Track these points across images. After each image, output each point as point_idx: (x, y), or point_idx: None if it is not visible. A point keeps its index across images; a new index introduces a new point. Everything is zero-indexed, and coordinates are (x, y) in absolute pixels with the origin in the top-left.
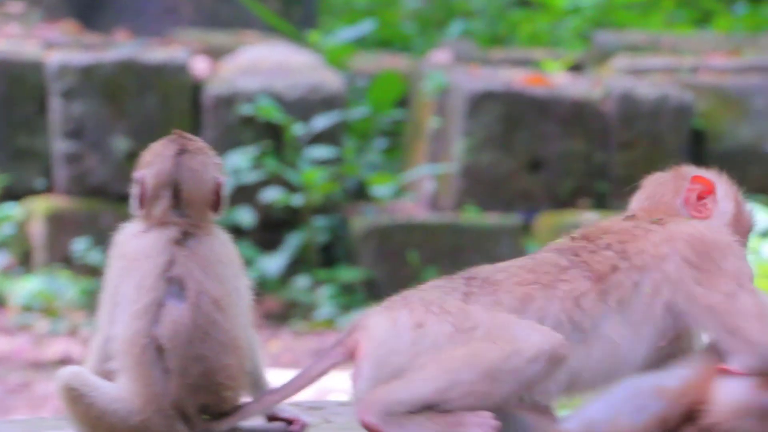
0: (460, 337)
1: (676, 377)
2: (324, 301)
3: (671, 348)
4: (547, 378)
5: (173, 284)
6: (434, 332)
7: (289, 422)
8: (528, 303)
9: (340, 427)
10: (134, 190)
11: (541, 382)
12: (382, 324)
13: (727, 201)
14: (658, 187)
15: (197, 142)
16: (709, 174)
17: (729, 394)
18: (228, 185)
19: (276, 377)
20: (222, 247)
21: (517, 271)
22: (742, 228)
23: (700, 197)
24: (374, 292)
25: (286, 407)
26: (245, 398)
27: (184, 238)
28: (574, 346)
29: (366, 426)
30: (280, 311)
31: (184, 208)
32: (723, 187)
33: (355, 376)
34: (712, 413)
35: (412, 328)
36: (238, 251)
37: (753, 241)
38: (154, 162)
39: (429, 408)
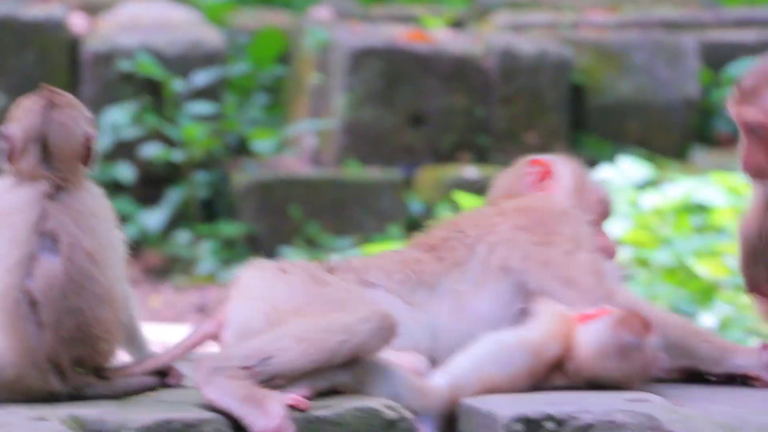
0: (313, 289)
1: (536, 330)
2: (205, 255)
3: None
4: (378, 342)
5: (46, 238)
6: (296, 275)
7: (165, 374)
8: (371, 266)
9: None
10: (3, 146)
11: (372, 345)
12: (251, 271)
13: (567, 177)
14: (504, 179)
15: (66, 97)
16: (548, 156)
17: (589, 338)
18: (105, 140)
19: (157, 332)
20: (95, 201)
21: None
22: (588, 199)
23: (541, 178)
24: (256, 246)
25: (163, 359)
26: (120, 351)
27: (55, 192)
28: (425, 300)
29: (195, 384)
30: (161, 266)
31: (54, 162)
32: (561, 165)
33: (225, 326)
34: (576, 359)
35: (277, 270)
36: (112, 205)
37: (629, 196)
38: (22, 117)
39: (264, 360)
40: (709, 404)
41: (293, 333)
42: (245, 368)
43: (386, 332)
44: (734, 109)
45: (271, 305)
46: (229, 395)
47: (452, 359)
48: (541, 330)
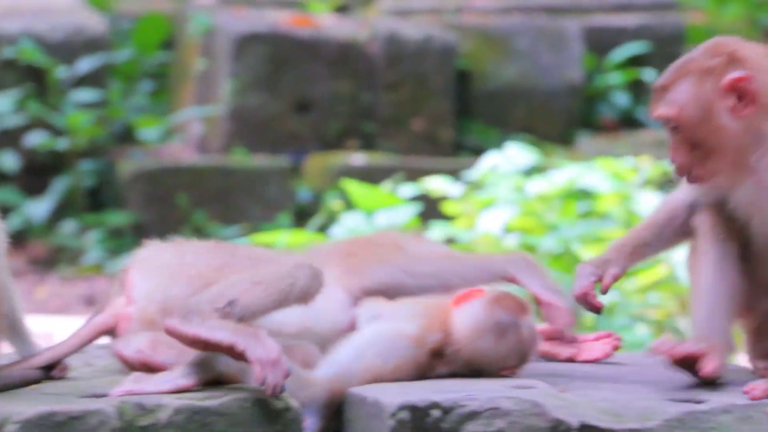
0: (227, 250)
1: (415, 319)
2: (92, 245)
3: None
4: (316, 286)
5: None
6: (198, 245)
7: (50, 368)
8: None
9: (101, 370)
10: None
11: (313, 289)
12: (147, 249)
13: None
14: None
15: None
16: None
17: (465, 319)
18: None
19: (43, 324)
20: None
21: None
22: None
23: None
24: (143, 235)
25: (57, 352)
26: (4, 343)
27: None
28: None
29: (168, 330)
30: (47, 257)
31: None
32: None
33: (128, 300)
34: (454, 342)
35: (178, 243)
36: None
37: (515, 182)
38: None
39: (232, 302)
40: (594, 390)
41: (246, 279)
42: (216, 310)
43: (319, 277)
44: (652, 110)
45: (195, 270)
46: (218, 328)
47: (335, 351)
48: (419, 318)
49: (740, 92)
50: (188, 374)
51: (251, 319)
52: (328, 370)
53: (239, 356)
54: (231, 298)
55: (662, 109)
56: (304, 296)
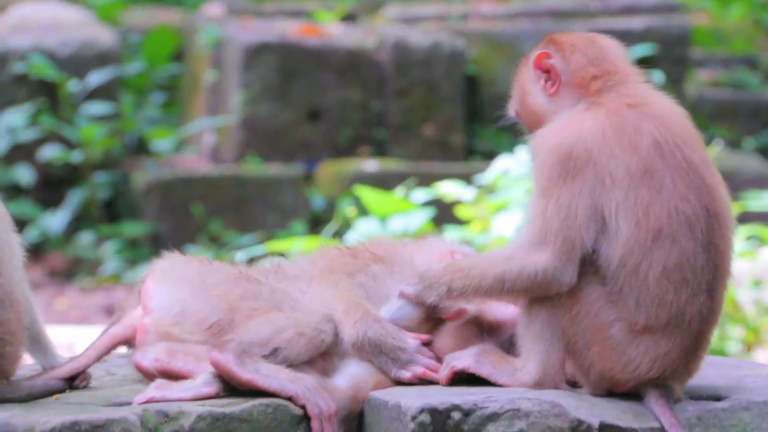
0: (246, 280)
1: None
2: (109, 256)
3: None
4: (333, 340)
5: None
6: (223, 268)
7: (72, 378)
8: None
9: (122, 379)
10: None
11: (331, 342)
12: (165, 261)
13: None
14: None
15: None
16: None
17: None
18: (2, 143)
19: (64, 334)
20: None
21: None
22: None
23: None
24: (160, 246)
25: (77, 364)
26: (26, 354)
27: None
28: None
29: (218, 367)
30: (66, 268)
31: None
32: None
33: (144, 310)
34: None
35: (201, 260)
36: (13, 209)
37: (529, 184)
38: None
39: (276, 350)
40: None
41: (292, 326)
42: (264, 356)
43: (336, 332)
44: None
45: (217, 292)
46: (273, 377)
47: (348, 362)
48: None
49: (546, 70)
50: (210, 382)
51: (284, 365)
52: (346, 378)
53: (298, 406)
54: (276, 346)
55: (509, 108)
56: (325, 350)
